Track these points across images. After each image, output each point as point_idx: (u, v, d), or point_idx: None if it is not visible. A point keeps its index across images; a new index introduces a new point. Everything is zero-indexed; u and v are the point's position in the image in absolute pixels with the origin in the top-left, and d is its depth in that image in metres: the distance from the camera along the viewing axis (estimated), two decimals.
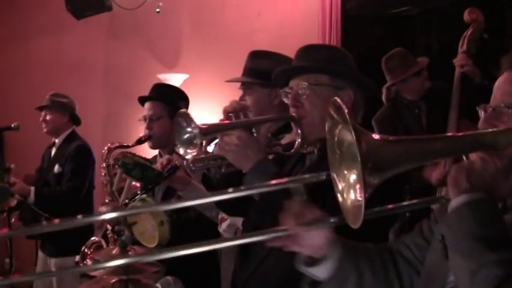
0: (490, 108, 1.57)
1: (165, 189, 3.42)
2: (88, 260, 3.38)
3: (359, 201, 1.38)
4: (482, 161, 1.43)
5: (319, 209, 1.63)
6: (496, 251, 1.29)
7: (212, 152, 2.34)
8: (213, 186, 2.51)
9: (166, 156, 3.56)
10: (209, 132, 2.19)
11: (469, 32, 4.33)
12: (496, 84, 1.62)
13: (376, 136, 1.42)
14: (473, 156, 1.47)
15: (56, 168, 5.17)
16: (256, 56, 3.14)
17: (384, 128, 4.72)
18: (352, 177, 1.44)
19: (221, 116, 2.69)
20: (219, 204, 2.66)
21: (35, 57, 7.49)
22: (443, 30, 4.58)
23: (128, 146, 3.59)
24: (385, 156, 1.41)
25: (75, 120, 5.38)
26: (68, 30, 7.17)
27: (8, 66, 7.53)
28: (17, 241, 4.50)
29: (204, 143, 2.27)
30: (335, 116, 1.47)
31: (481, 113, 1.59)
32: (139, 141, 3.61)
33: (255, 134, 2.31)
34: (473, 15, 4.33)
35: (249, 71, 3.10)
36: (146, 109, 3.69)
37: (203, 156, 2.32)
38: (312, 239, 1.65)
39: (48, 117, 5.25)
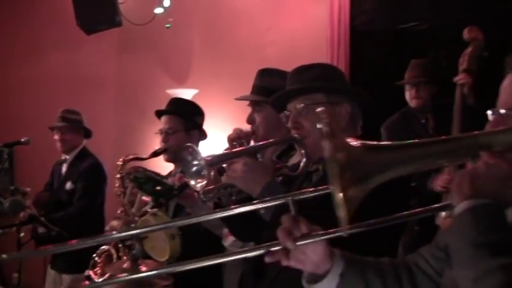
0: (498, 112, 1.52)
1: (176, 203, 3.44)
2: (98, 269, 3.39)
3: (343, 212, 1.34)
4: (487, 166, 1.38)
5: (311, 223, 1.60)
6: (498, 257, 1.24)
7: (221, 181, 2.38)
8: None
9: (178, 175, 3.59)
10: (215, 162, 2.24)
11: (468, 50, 4.37)
12: (502, 85, 1.57)
13: (355, 143, 1.39)
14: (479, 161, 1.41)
15: (68, 185, 5.19)
16: (265, 73, 3.16)
17: (391, 135, 4.84)
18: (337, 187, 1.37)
19: (230, 130, 2.72)
20: (233, 230, 2.68)
21: (47, 71, 7.56)
22: (453, 45, 4.59)
23: (143, 159, 3.62)
24: (365, 164, 1.37)
25: (87, 134, 5.42)
26: (80, 45, 7.23)
27: (20, 80, 7.60)
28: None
29: (212, 173, 2.30)
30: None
31: (491, 117, 1.54)
32: (155, 154, 3.64)
33: (260, 159, 2.36)
34: (473, 33, 4.38)
35: (258, 89, 3.13)
36: (163, 123, 3.74)
37: (213, 186, 2.35)
38: (309, 255, 1.63)
39: (66, 137, 5.26)
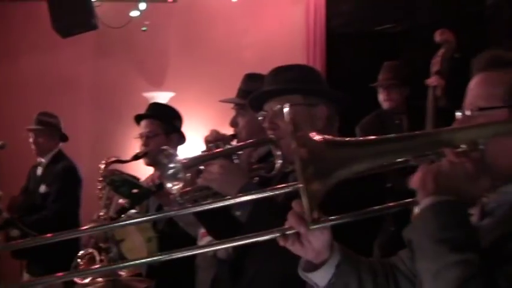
0: (464, 113, 1.56)
1: (157, 205, 3.45)
2: None
3: (306, 206, 1.37)
4: (450, 164, 1.41)
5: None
6: (458, 252, 1.28)
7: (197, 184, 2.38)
8: (202, 215, 2.52)
9: (157, 173, 3.59)
10: (191, 165, 2.24)
11: (440, 52, 4.44)
12: (469, 86, 1.61)
13: (318, 138, 1.41)
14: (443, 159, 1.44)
15: (43, 188, 5.14)
16: (251, 78, 3.19)
17: (365, 136, 4.83)
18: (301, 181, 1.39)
19: (207, 133, 2.73)
20: (212, 233, 2.68)
21: (23, 74, 7.47)
22: (427, 47, 4.65)
23: (124, 161, 3.63)
24: (328, 159, 1.39)
25: (63, 138, 5.38)
26: (56, 49, 7.16)
27: None
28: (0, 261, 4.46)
29: (189, 175, 2.31)
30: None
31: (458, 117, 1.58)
32: (136, 157, 3.67)
33: (236, 161, 2.37)
34: (444, 35, 4.46)
35: (243, 92, 3.15)
36: (142, 127, 3.77)
37: (189, 188, 2.36)
38: (312, 242, 1.62)
39: (39, 140, 5.22)
